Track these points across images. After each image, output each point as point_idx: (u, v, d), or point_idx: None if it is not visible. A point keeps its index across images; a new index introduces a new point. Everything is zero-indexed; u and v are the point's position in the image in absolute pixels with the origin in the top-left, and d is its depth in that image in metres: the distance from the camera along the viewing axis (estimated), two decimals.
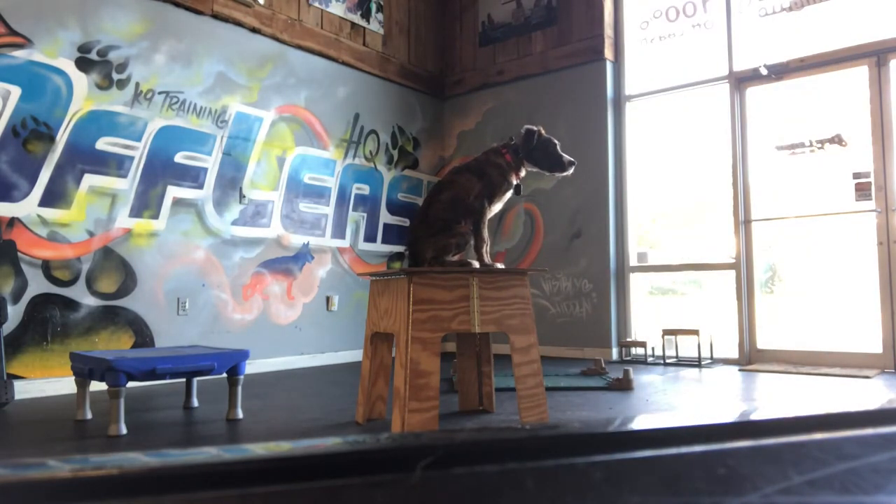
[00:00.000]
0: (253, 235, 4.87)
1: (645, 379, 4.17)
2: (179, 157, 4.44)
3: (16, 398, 3.45)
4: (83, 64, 3.99)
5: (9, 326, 3.58)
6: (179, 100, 4.44)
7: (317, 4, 5.41)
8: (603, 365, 4.40)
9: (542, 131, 2.88)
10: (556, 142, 2.89)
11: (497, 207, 2.88)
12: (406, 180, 6.23)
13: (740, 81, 5.12)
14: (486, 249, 2.78)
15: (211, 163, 4.62)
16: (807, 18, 4.87)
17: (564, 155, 2.87)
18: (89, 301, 3.95)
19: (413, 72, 6.30)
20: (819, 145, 4.80)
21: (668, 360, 4.98)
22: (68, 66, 3.92)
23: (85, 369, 2.81)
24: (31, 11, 3.78)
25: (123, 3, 4.19)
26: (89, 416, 2.99)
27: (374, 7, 5.92)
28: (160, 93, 4.34)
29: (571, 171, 2.87)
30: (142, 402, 3.45)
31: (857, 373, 4.18)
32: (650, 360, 5.07)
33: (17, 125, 3.69)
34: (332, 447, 0.34)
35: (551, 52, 5.91)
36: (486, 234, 2.80)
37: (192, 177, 4.52)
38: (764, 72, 4.93)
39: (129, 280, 4.14)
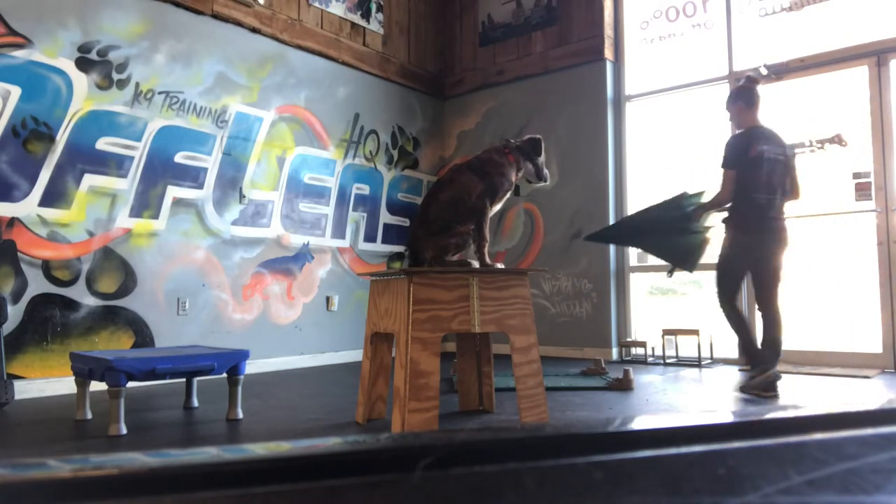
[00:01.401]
0: (253, 235, 4.87)
1: (645, 379, 4.17)
2: (179, 157, 4.44)
3: (16, 398, 3.45)
4: (83, 64, 3.99)
5: (9, 326, 3.58)
6: (179, 100, 4.44)
7: (317, 4, 5.41)
8: (603, 365, 4.40)
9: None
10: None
11: (497, 207, 2.89)
12: (406, 180, 6.23)
13: (740, 81, 5.11)
14: (486, 249, 2.79)
15: (211, 163, 4.62)
16: (807, 18, 4.87)
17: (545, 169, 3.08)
18: (89, 301, 3.95)
19: (413, 72, 6.30)
20: (819, 145, 4.80)
21: (668, 360, 4.98)
22: (68, 66, 3.92)
23: (85, 369, 2.81)
24: (31, 11, 3.78)
25: (123, 4, 4.19)
26: (89, 416, 2.99)
27: (374, 7, 5.92)
28: (160, 93, 4.34)
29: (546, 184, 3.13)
30: (142, 402, 3.45)
31: (857, 373, 4.18)
32: (650, 360, 5.07)
33: (17, 125, 3.69)
34: (332, 447, 0.34)
35: (551, 52, 5.91)
36: (487, 233, 2.81)
37: (192, 177, 4.52)
38: (764, 72, 4.92)
39: (129, 280, 4.14)
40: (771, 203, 3.47)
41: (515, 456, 0.30)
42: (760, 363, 3.52)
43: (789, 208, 3.64)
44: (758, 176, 3.43)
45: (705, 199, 3.62)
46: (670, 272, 3.72)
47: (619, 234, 3.77)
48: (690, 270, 3.60)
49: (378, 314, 2.85)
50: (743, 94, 3.64)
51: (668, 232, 3.50)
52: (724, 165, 3.51)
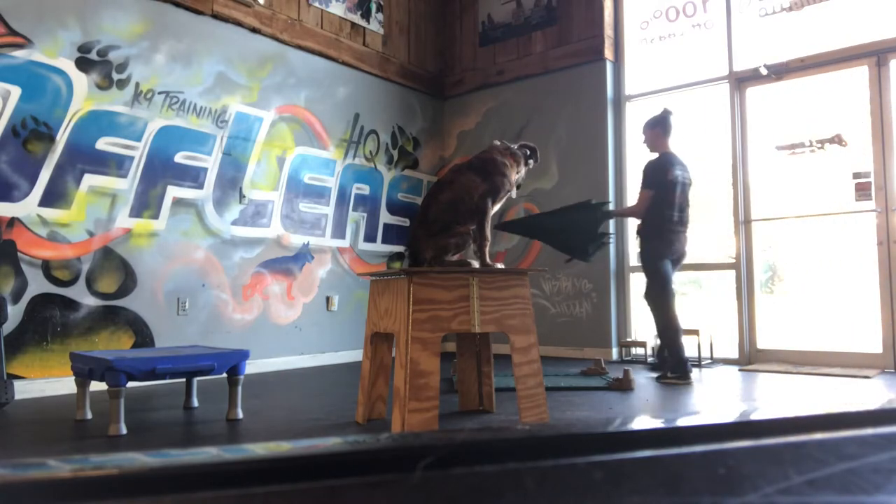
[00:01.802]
0: (253, 235, 4.87)
1: (645, 379, 4.17)
2: (179, 157, 4.44)
3: (16, 398, 3.45)
4: (83, 64, 3.99)
5: (9, 326, 3.58)
6: (179, 100, 4.44)
7: (317, 4, 5.41)
8: (603, 365, 4.40)
9: None
10: None
11: (497, 207, 2.90)
12: (406, 180, 6.23)
13: (740, 81, 5.12)
14: (487, 249, 2.79)
15: (211, 163, 4.62)
16: (807, 18, 4.87)
17: None
18: (89, 301, 3.95)
19: (413, 72, 6.30)
20: (819, 145, 4.80)
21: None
22: (68, 66, 3.92)
23: (85, 369, 2.81)
24: (31, 11, 3.78)
25: (123, 3, 4.19)
26: (89, 416, 2.99)
27: (374, 7, 5.92)
28: (160, 93, 4.34)
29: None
30: (142, 402, 3.45)
31: (857, 373, 4.18)
32: (650, 360, 5.07)
33: (17, 125, 3.69)
34: (332, 447, 0.34)
35: (551, 52, 5.91)
36: (489, 233, 2.81)
37: (192, 177, 4.51)
38: (764, 72, 4.92)
39: (129, 280, 4.14)
40: (681, 219, 4.11)
41: (515, 456, 0.30)
42: (683, 369, 3.98)
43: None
44: (672, 197, 4.04)
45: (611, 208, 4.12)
46: (568, 260, 4.03)
47: (527, 228, 4.10)
48: (587, 260, 3.90)
49: (378, 314, 2.85)
50: (661, 122, 4.21)
51: (572, 229, 3.84)
52: (644, 187, 4.07)
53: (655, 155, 4.19)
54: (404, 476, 0.28)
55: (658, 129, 4.19)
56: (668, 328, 4.04)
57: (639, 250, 4.19)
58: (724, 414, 0.39)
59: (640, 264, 4.22)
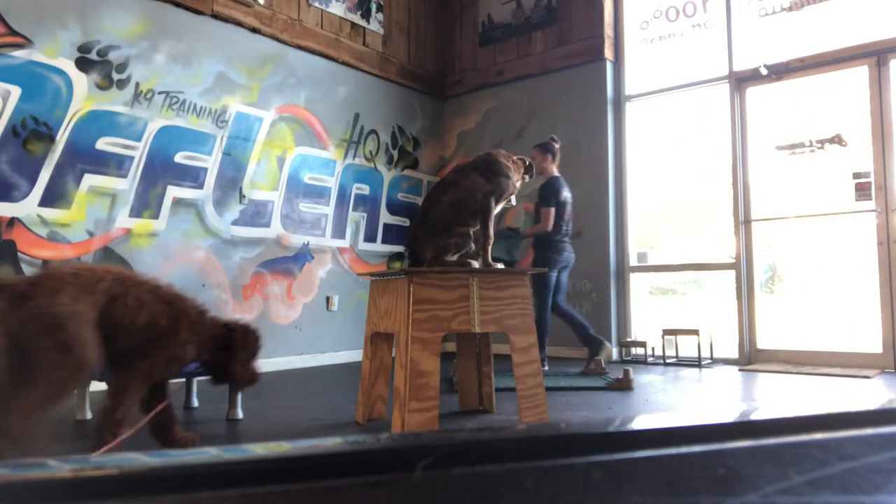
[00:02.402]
0: (253, 235, 4.87)
1: (645, 379, 4.17)
2: (179, 157, 4.44)
3: None
4: (83, 64, 3.99)
5: None
6: (179, 100, 4.44)
7: (317, 4, 5.41)
8: (603, 365, 4.40)
9: None
10: None
11: (499, 208, 2.90)
12: (406, 180, 6.23)
13: (740, 81, 5.12)
14: (490, 248, 2.79)
15: (211, 163, 4.62)
16: (807, 18, 4.87)
17: None
18: None
19: (413, 72, 6.30)
20: (819, 145, 4.80)
21: (668, 360, 4.97)
22: (68, 66, 3.92)
23: None
24: (31, 11, 3.78)
25: (123, 3, 4.19)
26: (89, 416, 2.99)
27: (374, 7, 5.92)
28: (160, 93, 4.34)
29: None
30: None
31: (857, 373, 4.18)
32: (650, 360, 5.07)
33: (17, 125, 3.69)
34: (332, 447, 0.34)
35: (551, 52, 5.91)
36: (492, 232, 2.81)
37: (192, 177, 4.51)
38: (764, 72, 4.92)
39: None
40: (568, 232, 4.61)
41: (515, 456, 0.30)
42: (598, 346, 4.46)
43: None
44: (564, 213, 4.55)
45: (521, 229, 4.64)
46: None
47: None
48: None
49: (378, 314, 2.84)
50: (551, 149, 4.63)
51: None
52: (546, 205, 4.52)
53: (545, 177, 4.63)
54: (404, 476, 0.28)
55: (549, 155, 4.61)
56: (540, 325, 4.37)
57: (532, 259, 4.62)
58: (723, 414, 0.39)
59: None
